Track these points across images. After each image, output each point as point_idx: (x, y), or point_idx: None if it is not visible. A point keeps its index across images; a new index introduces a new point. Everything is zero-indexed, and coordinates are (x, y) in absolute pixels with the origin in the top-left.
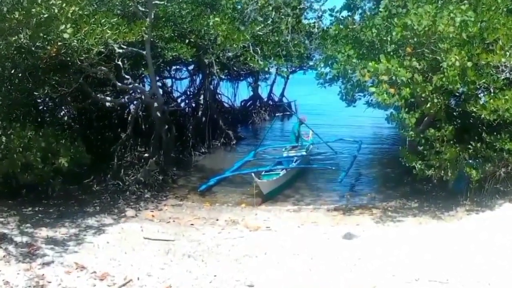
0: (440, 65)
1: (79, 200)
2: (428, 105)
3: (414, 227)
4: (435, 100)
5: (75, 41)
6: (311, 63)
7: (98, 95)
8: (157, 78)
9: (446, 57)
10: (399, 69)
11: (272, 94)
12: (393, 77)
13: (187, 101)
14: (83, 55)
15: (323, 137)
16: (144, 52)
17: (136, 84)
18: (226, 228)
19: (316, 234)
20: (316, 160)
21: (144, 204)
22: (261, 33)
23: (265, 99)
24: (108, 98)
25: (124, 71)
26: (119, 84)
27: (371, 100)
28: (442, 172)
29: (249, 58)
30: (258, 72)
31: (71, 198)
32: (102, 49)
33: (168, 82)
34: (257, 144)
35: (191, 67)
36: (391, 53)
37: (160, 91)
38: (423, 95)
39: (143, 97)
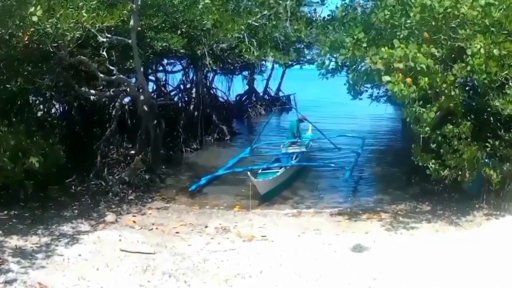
0: (463, 53)
1: (58, 203)
2: (446, 98)
3: (431, 235)
4: (452, 93)
5: (48, 26)
6: (308, 57)
7: (83, 89)
8: (149, 71)
9: (470, 43)
10: (418, 55)
11: (268, 88)
12: (412, 64)
13: (179, 95)
14: (58, 42)
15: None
16: (130, 41)
17: (121, 76)
18: (216, 238)
19: (320, 246)
20: (316, 158)
21: (126, 207)
22: (256, 24)
23: (261, 94)
24: (93, 92)
25: (112, 63)
26: (102, 75)
27: (378, 92)
28: (459, 172)
29: (244, 50)
30: (253, 65)
31: (50, 200)
32: (79, 35)
33: (165, 78)
34: (253, 140)
35: (184, 60)
36: (405, 40)
37: (152, 85)
38: (443, 86)
39: (128, 89)
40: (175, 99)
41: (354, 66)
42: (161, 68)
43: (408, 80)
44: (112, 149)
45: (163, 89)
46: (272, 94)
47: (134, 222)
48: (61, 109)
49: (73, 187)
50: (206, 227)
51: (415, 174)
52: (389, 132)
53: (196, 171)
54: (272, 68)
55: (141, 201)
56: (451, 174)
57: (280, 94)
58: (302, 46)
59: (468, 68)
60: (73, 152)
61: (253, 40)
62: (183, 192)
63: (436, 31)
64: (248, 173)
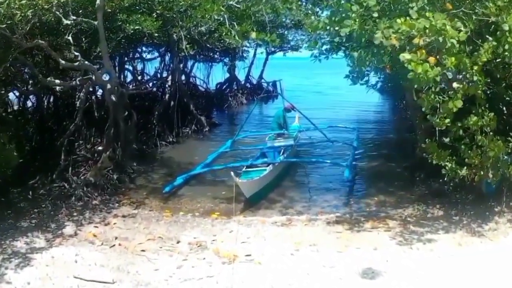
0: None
1: (17, 210)
2: (472, 84)
3: (453, 249)
4: (475, 78)
5: None
6: (292, 43)
7: (49, 78)
8: (125, 59)
9: (505, 18)
10: (447, 27)
11: (250, 76)
12: (439, 39)
13: (156, 83)
14: (6, 22)
15: (310, 125)
16: (96, 23)
17: (86, 62)
18: (190, 258)
19: (321, 269)
20: (307, 152)
21: (89, 215)
22: (238, 6)
23: (243, 82)
24: (58, 81)
25: (82, 50)
26: (63, 62)
27: (379, 77)
28: (481, 172)
29: (224, 33)
30: (234, 51)
31: (9, 206)
32: (31, 14)
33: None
34: (235, 132)
35: (163, 48)
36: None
37: (127, 74)
38: (474, 68)
39: (94, 77)
40: (152, 88)
41: (362, 41)
42: (138, 56)
43: (431, 59)
44: (80, 145)
45: (139, 78)
46: (254, 82)
47: (95, 236)
48: (31, 102)
49: (36, 190)
50: (178, 242)
51: (418, 170)
52: (378, 122)
53: (171, 167)
54: (254, 54)
55: (106, 207)
56: (470, 174)
57: (264, 81)
58: (286, 31)
59: (507, 47)
60: (41, 149)
61: (234, 23)
62: (154, 194)
63: (460, 2)
64: (232, 173)
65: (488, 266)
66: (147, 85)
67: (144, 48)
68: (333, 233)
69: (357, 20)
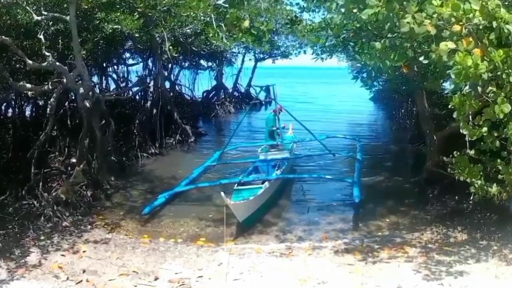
0: None
1: None
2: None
3: (491, 283)
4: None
5: None
6: (282, 49)
7: (21, 83)
8: (107, 64)
9: None
10: (502, 9)
11: (238, 84)
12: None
13: (137, 88)
14: None
15: (306, 135)
16: (68, 18)
17: (57, 63)
18: None
19: None
20: (305, 167)
21: (58, 240)
22: (226, 5)
23: (230, 90)
24: (28, 86)
25: (59, 52)
26: (30, 62)
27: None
28: None
29: (211, 35)
30: (222, 54)
31: None
32: None
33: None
34: (222, 143)
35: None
36: None
37: (109, 81)
38: None
39: (65, 80)
40: (134, 94)
41: (387, 27)
42: (119, 62)
43: (477, 51)
44: (55, 157)
45: (124, 84)
46: (243, 90)
47: (61, 268)
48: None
49: (5, 207)
50: (156, 279)
51: (430, 185)
52: (375, 132)
53: (152, 182)
54: (243, 60)
55: (77, 229)
56: (502, 192)
57: (256, 86)
58: (275, 36)
59: None
60: (15, 161)
61: (222, 24)
62: (132, 214)
63: None
64: (222, 194)
65: None
66: (127, 91)
67: (128, 55)
68: (344, 266)
69: (382, 4)
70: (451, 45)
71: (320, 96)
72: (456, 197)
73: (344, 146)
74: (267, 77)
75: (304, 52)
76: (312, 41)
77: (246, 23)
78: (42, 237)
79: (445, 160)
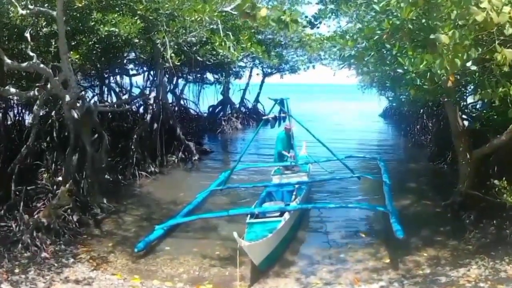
0: None
1: None
2: None
3: None
4: None
5: None
6: (291, 63)
7: (6, 87)
8: (108, 74)
9: None
10: None
11: (245, 100)
12: None
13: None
14: None
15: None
16: (55, 13)
17: (41, 65)
18: None
19: None
20: (326, 193)
21: (34, 274)
22: (234, 13)
23: (237, 105)
24: (12, 90)
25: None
26: (8, 61)
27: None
28: None
29: (217, 43)
30: (229, 66)
31: None
32: None
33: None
34: (230, 161)
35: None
36: None
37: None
38: None
39: (49, 85)
40: (138, 108)
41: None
42: (120, 72)
43: None
44: (40, 173)
45: (124, 96)
46: (250, 106)
47: None
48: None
49: None
50: None
51: (464, 209)
52: (391, 150)
53: (149, 207)
54: (250, 75)
55: (58, 263)
56: None
57: (269, 98)
58: (284, 50)
59: None
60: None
61: (230, 32)
62: (123, 245)
63: None
64: (235, 234)
65: None
66: (125, 103)
67: (132, 66)
68: None
69: None
70: None
71: (329, 113)
72: (494, 222)
73: (364, 166)
74: (274, 94)
75: (313, 66)
76: (340, 44)
77: (264, 12)
78: (17, 270)
79: (494, 183)
